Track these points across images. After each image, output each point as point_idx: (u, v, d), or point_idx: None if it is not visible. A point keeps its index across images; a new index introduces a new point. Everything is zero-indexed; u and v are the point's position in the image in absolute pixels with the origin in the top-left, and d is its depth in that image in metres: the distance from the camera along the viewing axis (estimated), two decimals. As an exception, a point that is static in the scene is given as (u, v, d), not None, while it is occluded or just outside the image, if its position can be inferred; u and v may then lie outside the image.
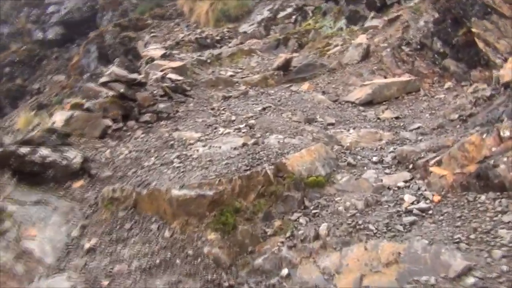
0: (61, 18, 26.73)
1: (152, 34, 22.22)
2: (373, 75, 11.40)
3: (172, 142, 7.79)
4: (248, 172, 5.97)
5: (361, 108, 9.51)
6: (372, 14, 15.23)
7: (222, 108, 10.40)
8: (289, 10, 18.40)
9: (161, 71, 12.30)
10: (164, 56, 14.11)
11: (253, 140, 7.05)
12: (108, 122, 8.61)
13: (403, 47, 11.54)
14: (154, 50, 14.61)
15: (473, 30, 10.06)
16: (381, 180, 6.14)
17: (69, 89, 22.22)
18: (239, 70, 14.77)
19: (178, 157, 7.01)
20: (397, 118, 8.55)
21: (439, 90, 9.68)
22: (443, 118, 7.77)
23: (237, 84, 13.05)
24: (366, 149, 7.28)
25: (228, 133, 7.81)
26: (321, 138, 7.44)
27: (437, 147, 6.40)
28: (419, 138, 7.27)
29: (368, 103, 9.85)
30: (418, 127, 7.78)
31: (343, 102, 10.11)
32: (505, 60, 9.24)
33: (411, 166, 6.38)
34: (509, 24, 9.72)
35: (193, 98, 11.56)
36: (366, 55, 12.64)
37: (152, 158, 7.17)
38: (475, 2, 10.23)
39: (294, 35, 16.81)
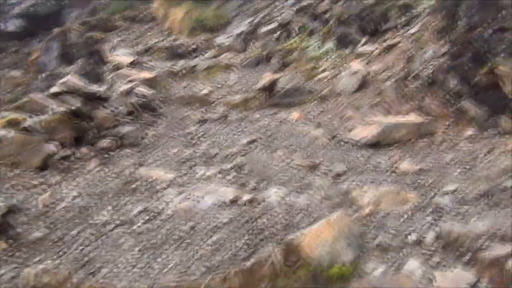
0: (24, 10, 23.83)
1: (121, 37, 19.75)
2: (374, 110, 9.46)
3: (136, 183, 5.62)
4: (249, 263, 3.82)
5: (369, 151, 7.53)
6: (364, 38, 13.36)
7: (200, 134, 8.27)
8: (272, 25, 16.33)
9: (129, 81, 10.02)
10: (132, 64, 11.79)
11: (247, 196, 4.95)
12: (53, 147, 6.31)
13: (408, 81, 9.64)
14: (122, 56, 12.30)
15: (498, 69, 8.27)
16: (432, 280, 4.10)
17: (24, 87, 19.43)
18: (217, 87, 12.62)
19: (143, 212, 4.81)
20: (419, 171, 6.58)
21: (458, 137, 7.82)
22: (488, 181, 5.83)
23: (214, 104, 10.91)
24: (392, 217, 5.29)
25: (210, 177, 5.65)
26: (333, 196, 5.38)
27: (504, 231, 4.43)
28: (463, 209, 5.30)
29: (375, 144, 7.88)
30: (455, 190, 5.81)
31: (345, 141, 8.11)
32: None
33: (467, 257, 4.37)
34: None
35: (165, 117, 9.37)
36: (363, 84, 10.72)
37: (107, 211, 4.94)
38: (503, 37, 8.45)
39: (277, 53, 14.76)
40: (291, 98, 11.13)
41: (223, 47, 18.71)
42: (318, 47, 14.49)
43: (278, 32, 16.07)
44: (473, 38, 8.86)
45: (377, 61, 11.86)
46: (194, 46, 18.27)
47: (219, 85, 12.79)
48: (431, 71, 9.54)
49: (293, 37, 15.68)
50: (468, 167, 6.53)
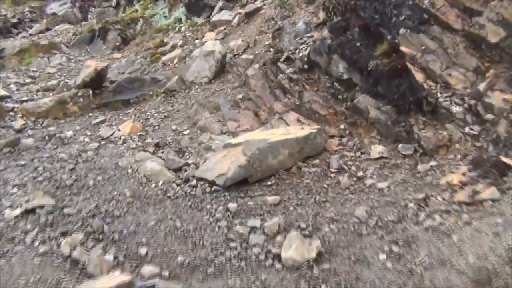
0: None
1: None
2: (237, 113, 6.00)
3: None
4: None
5: (230, 207, 4.10)
6: (220, 3, 9.67)
7: None
8: (109, -11, 11.90)
9: None
10: None
11: None
12: None
13: (280, 65, 6.26)
14: None
15: (403, 49, 5.19)
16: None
17: None
18: (28, 80, 8.24)
19: None
20: (318, 257, 3.35)
21: (363, 159, 4.69)
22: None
23: (11, 115, 6.66)
24: None
25: None
26: None
27: None
28: None
29: (240, 183, 4.48)
30: None
31: (194, 181, 4.60)
32: (470, 106, 4.58)
33: None
34: (461, 42, 5.00)
35: None
36: (221, 69, 7.16)
37: None
38: (403, 3, 5.32)
39: (115, 25, 10.52)
40: (127, 94, 7.27)
41: (56, 18, 13.93)
42: (165, 15, 10.53)
43: (116, -2, 11.73)
44: (359, 5, 5.64)
45: (236, 34, 8.31)
46: (16, 19, 13.23)
47: (32, 77, 8.40)
48: (305, 51, 6.23)
49: (135, 4, 11.49)
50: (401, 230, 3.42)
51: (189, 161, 5.12)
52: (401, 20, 5.32)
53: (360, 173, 4.44)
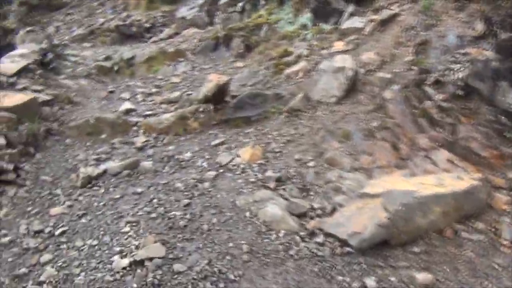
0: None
1: (68, 17, 14.84)
2: (372, 143, 4.98)
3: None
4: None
5: (368, 285, 3.14)
6: (350, 8, 8.58)
7: (57, 233, 3.91)
8: (234, -7, 11.41)
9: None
10: (20, 73, 7.13)
11: None
12: None
13: (426, 88, 5.07)
14: (14, 59, 7.57)
15: None
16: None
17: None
18: (154, 90, 8.05)
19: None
20: None
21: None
22: None
23: (134, 130, 6.40)
24: None
25: None
26: None
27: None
28: None
29: (378, 246, 3.50)
30: None
31: (322, 236, 3.72)
32: None
33: None
34: None
35: (34, 173, 5.00)
36: (352, 88, 6.17)
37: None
38: None
39: (239, 32, 10.00)
40: (249, 111, 6.63)
41: (185, 22, 13.94)
42: (290, 21, 9.73)
43: (241, 3, 11.19)
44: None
45: (368, 45, 7.20)
46: (149, 24, 13.46)
47: (158, 86, 8.21)
48: (460, 74, 4.95)
49: (260, 9, 10.87)
50: None
51: (315, 205, 4.27)
52: None
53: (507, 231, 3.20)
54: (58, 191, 4.84)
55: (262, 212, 4.12)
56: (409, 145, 4.84)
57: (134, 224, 4.08)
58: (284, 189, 4.63)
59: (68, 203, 4.59)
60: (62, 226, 4.16)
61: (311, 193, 4.55)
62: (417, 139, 4.80)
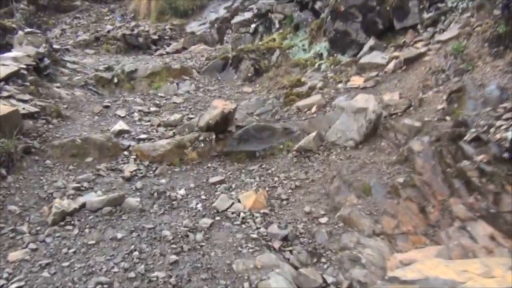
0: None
1: (75, 21, 14.16)
2: (396, 203, 4.18)
3: None
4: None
5: None
6: (371, 41, 7.85)
7: (20, 277, 3.06)
8: (248, 15, 10.69)
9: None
10: (9, 79, 6.34)
11: None
12: None
13: (463, 145, 4.28)
14: (5, 62, 6.76)
15: None
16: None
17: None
18: (153, 109, 7.26)
19: None
20: None
21: None
22: None
23: (125, 155, 5.58)
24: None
25: None
26: None
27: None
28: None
29: None
30: None
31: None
32: None
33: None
34: None
35: (0, 202, 4.14)
36: (373, 132, 5.39)
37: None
38: None
39: (250, 54, 9.27)
40: (253, 145, 5.86)
41: (194, 37, 13.26)
42: (304, 49, 9.01)
43: (254, 25, 10.47)
44: None
45: (391, 84, 6.46)
46: (156, 36, 12.75)
47: (158, 105, 7.43)
48: (506, 133, 4.17)
49: (273, 33, 10.17)
50: None
51: (328, 279, 3.46)
52: None
53: None
54: (24, 228, 4.00)
55: (263, 285, 3.29)
56: (440, 210, 4.05)
57: (105, 286, 3.24)
58: (291, 251, 3.82)
59: (32, 245, 3.76)
60: (18, 279, 3.31)
61: (323, 260, 3.74)
62: (450, 205, 4.01)
